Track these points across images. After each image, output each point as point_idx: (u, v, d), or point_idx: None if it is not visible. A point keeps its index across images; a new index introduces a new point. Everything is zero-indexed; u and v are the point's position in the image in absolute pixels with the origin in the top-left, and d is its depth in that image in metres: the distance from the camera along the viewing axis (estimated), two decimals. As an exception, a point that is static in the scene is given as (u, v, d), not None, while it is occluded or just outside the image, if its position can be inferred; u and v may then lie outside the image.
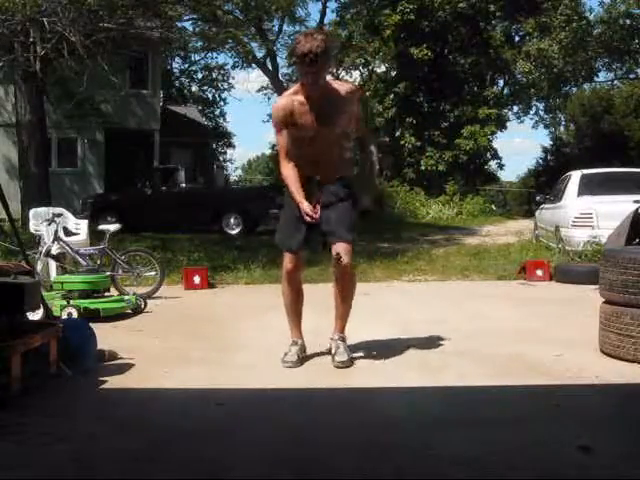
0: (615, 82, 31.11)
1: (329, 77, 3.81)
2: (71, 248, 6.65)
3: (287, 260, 3.88)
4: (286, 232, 3.88)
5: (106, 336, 4.30)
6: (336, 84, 3.85)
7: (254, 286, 7.78)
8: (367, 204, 4.11)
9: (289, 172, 3.77)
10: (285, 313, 4.07)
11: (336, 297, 3.89)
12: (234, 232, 14.24)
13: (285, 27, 26.93)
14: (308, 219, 3.69)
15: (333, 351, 3.83)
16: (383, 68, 25.99)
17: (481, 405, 3.09)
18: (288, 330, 4.06)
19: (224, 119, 35.61)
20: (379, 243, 11.14)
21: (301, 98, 3.68)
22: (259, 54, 26.64)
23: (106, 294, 5.86)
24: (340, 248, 3.69)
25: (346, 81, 4.20)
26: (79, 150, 18.54)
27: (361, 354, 4.02)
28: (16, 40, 12.02)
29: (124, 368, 3.78)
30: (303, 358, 3.89)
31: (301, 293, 4.00)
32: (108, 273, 6.31)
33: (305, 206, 3.68)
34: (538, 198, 11.75)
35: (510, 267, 8.41)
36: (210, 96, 34.05)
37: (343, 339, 3.88)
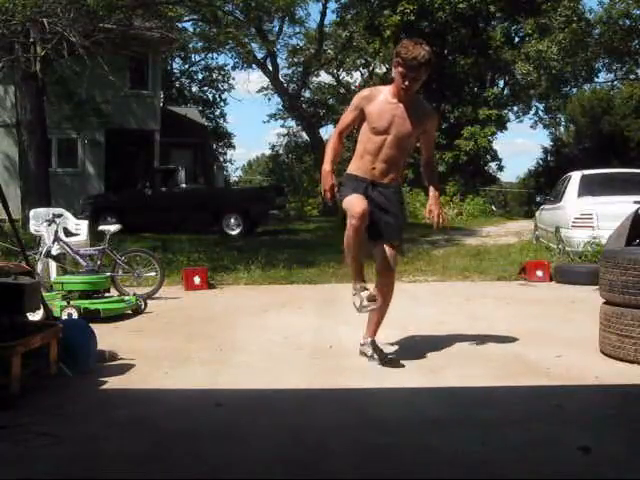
0: (615, 83, 31.16)
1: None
2: (71, 249, 6.65)
3: (355, 203, 3.78)
4: (351, 191, 3.87)
5: (106, 336, 4.31)
6: (423, 101, 4.13)
7: (254, 286, 7.78)
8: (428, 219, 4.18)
9: (335, 145, 3.94)
10: (349, 265, 3.99)
11: (379, 291, 3.91)
12: (234, 233, 14.24)
13: (285, 28, 27.01)
14: (325, 193, 3.84)
15: (369, 354, 3.89)
16: (383, 69, 26.01)
17: (481, 405, 3.09)
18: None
19: (224, 120, 35.61)
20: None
21: (390, 96, 3.86)
22: (259, 55, 26.70)
23: (106, 295, 5.85)
24: (385, 251, 3.84)
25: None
26: (79, 150, 18.53)
27: (361, 355, 4.01)
28: (16, 40, 12.03)
29: (124, 368, 3.78)
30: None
31: (364, 245, 3.96)
32: (108, 274, 6.31)
33: (327, 173, 3.79)
34: (538, 199, 11.78)
35: (510, 268, 8.41)
36: (210, 97, 34.07)
37: (375, 343, 3.93)
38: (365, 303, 3.83)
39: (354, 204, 3.80)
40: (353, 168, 3.97)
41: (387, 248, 3.86)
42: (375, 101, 3.86)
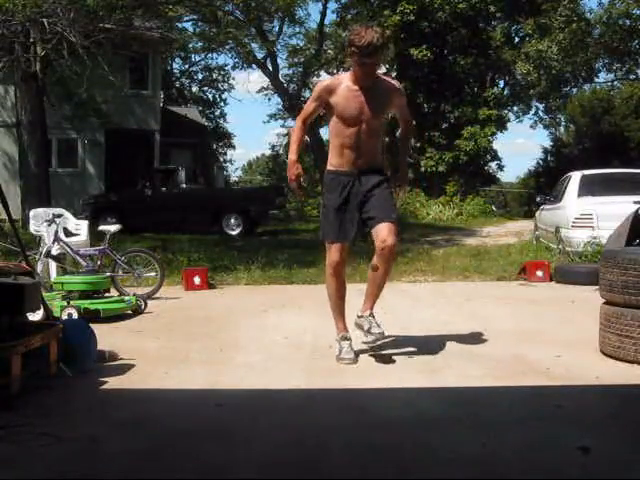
0: (615, 83, 31.13)
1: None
2: (71, 249, 6.65)
3: (333, 252, 3.90)
4: (330, 224, 3.92)
5: (106, 337, 4.31)
6: (384, 78, 4.06)
7: (254, 287, 7.79)
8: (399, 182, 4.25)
9: (300, 135, 4.02)
10: (330, 308, 4.08)
11: (375, 275, 3.88)
12: (234, 233, 14.25)
13: (285, 28, 27.04)
14: (289, 179, 3.95)
15: (366, 327, 3.85)
16: (383, 69, 25.99)
17: (481, 406, 3.09)
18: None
19: (224, 120, 35.68)
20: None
21: (351, 84, 3.84)
22: (259, 55, 26.71)
23: (106, 295, 5.85)
24: (385, 228, 3.77)
25: (390, 76, 4.42)
26: (79, 150, 18.53)
27: (361, 355, 4.01)
28: (16, 41, 12.04)
29: (124, 369, 3.78)
30: (357, 353, 3.94)
31: (345, 286, 4.03)
32: (108, 274, 6.32)
33: (293, 162, 3.90)
34: (538, 199, 11.75)
35: (510, 268, 8.41)
36: (210, 97, 34.12)
37: (373, 315, 3.91)
38: (343, 355, 3.85)
39: (332, 251, 3.88)
40: (336, 164, 3.94)
41: (386, 224, 3.78)
42: (338, 92, 3.84)
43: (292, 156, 3.95)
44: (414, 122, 4.35)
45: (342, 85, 3.85)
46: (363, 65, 3.73)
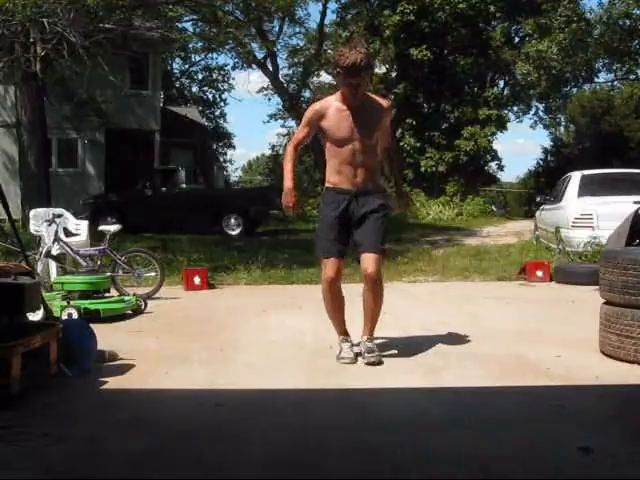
0: (615, 83, 31.14)
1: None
2: (71, 249, 6.65)
3: (328, 267, 3.94)
4: (326, 239, 3.96)
5: (106, 337, 4.30)
6: (373, 97, 4.06)
7: (254, 287, 7.79)
8: (399, 207, 4.31)
9: (293, 162, 4.07)
10: (328, 317, 4.14)
11: (366, 302, 3.95)
12: (234, 233, 14.25)
13: (285, 28, 27.03)
14: (285, 205, 3.99)
15: (363, 351, 3.89)
16: (383, 69, 26.01)
17: (481, 406, 3.09)
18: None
19: (224, 120, 35.64)
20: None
21: (341, 105, 3.86)
22: (259, 55, 26.70)
23: (106, 295, 5.85)
24: (368, 258, 3.82)
25: (380, 95, 4.41)
26: (79, 150, 18.52)
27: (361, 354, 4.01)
28: (16, 40, 12.03)
29: (124, 369, 3.78)
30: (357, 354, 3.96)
31: (342, 299, 4.06)
32: (108, 274, 6.31)
33: (290, 190, 3.93)
34: (538, 199, 11.75)
35: (510, 268, 8.41)
36: (210, 97, 34.09)
37: (372, 340, 3.95)
38: (342, 355, 3.90)
39: (327, 267, 3.92)
40: (334, 181, 3.95)
41: (371, 255, 3.83)
42: (328, 115, 3.86)
43: (288, 183, 3.97)
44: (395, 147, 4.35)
45: (331, 107, 3.88)
46: (349, 85, 3.76)
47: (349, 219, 3.90)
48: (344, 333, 4.06)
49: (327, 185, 4.00)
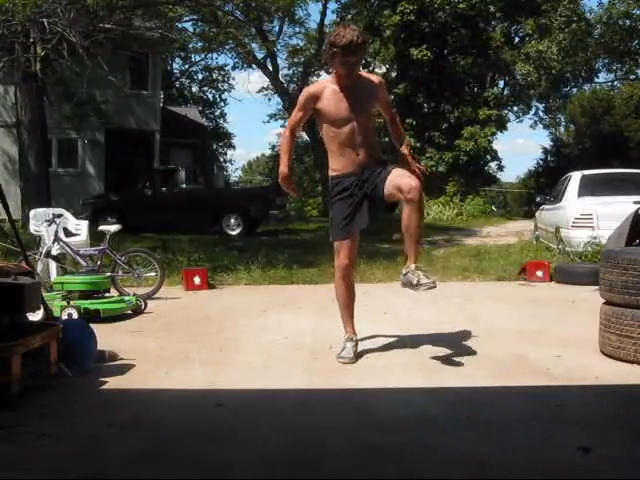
0: (615, 83, 31.15)
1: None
2: (71, 249, 6.65)
3: (342, 254, 3.93)
4: (340, 222, 3.94)
5: (106, 337, 4.30)
6: (364, 75, 4.08)
7: (254, 287, 7.79)
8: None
9: (290, 145, 4.07)
10: (339, 310, 4.11)
11: (406, 234, 3.81)
12: (234, 233, 14.24)
13: (285, 28, 27.03)
14: (286, 190, 4.07)
15: (415, 282, 3.81)
16: (383, 69, 26.03)
17: (481, 406, 3.09)
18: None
19: (224, 120, 35.65)
20: (379, 244, 11.13)
21: (335, 87, 3.88)
22: (259, 55, 26.71)
23: (106, 295, 5.85)
24: (404, 176, 3.74)
25: (369, 72, 4.41)
26: (79, 150, 18.53)
27: (361, 355, 4.01)
28: (16, 41, 12.04)
29: (124, 369, 3.78)
30: (357, 354, 3.96)
31: (354, 289, 4.07)
32: (108, 274, 6.31)
33: (286, 176, 3.96)
34: (538, 199, 11.75)
35: (510, 268, 8.41)
36: (210, 97, 34.09)
37: (419, 267, 3.90)
38: (343, 354, 3.90)
39: (341, 253, 3.92)
40: (337, 167, 3.94)
41: (402, 173, 3.76)
42: (324, 97, 3.87)
43: (284, 169, 3.97)
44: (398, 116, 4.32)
45: (327, 89, 3.88)
46: (346, 64, 3.77)
47: (360, 193, 3.87)
48: (352, 332, 4.05)
49: (332, 174, 3.97)
